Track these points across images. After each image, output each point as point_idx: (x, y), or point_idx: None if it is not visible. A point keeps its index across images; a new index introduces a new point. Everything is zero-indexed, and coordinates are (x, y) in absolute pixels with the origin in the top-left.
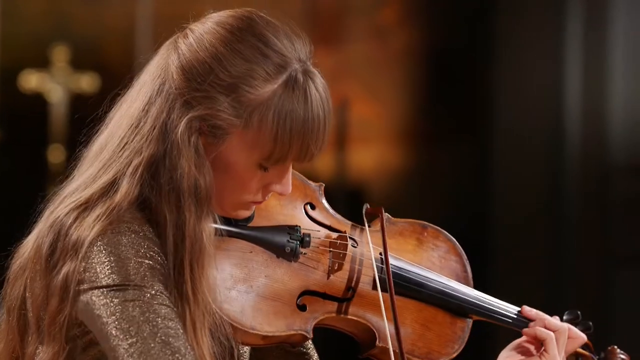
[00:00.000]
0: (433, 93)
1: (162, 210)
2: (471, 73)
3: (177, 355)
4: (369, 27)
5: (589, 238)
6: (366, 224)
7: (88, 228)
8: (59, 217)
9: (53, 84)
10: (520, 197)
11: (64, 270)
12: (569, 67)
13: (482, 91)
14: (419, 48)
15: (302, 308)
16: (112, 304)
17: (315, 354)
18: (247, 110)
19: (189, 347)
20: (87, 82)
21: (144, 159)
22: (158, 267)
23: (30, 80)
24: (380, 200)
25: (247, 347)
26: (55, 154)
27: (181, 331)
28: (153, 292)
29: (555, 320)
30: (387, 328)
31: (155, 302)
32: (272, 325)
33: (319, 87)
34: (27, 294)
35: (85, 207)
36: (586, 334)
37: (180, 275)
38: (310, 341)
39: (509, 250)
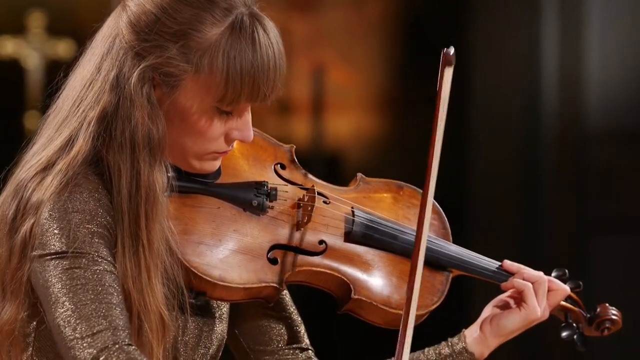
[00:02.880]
0: (409, 60)
1: (116, 162)
2: (447, 40)
3: (111, 322)
4: None
5: (565, 205)
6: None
7: (45, 188)
8: (21, 181)
9: (29, 51)
10: (497, 164)
11: (23, 229)
12: (545, 34)
13: (458, 59)
14: (395, 15)
15: (273, 261)
16: (53, 272)
17: (299, 318)
18: (196, 54)
19: (124, 315)
20: (64, 49)
21: (97, 112)
22: (100, 230)
23: (6, 47)
24: (356, 168)
25: (225, 308)
26: (32, 121)
27: (119, 298)
28: (93, 257)
29: (534, 272)
30: (360, 279)
31: (94, 268)
32: (242, 277)
33: (267, 28)
34: None
35: (45, 168)
36: (575, 292)
37: (136, 225)
38: (293, 305)
39: (485, 217)
